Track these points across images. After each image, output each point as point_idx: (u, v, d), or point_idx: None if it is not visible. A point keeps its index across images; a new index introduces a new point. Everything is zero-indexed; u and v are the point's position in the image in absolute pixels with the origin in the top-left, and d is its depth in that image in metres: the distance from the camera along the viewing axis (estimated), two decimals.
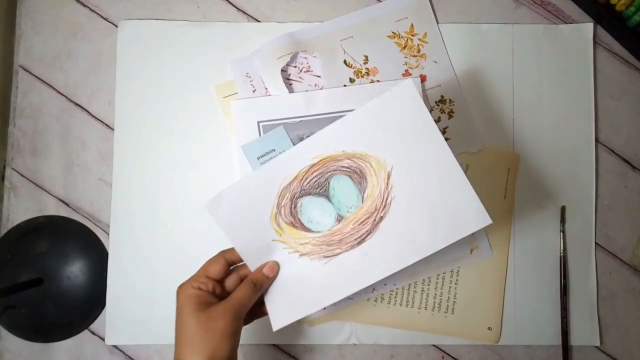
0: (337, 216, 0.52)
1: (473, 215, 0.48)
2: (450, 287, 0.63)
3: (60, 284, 0.63)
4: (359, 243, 0.51)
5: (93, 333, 0.64)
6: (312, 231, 0.53)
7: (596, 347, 0.63)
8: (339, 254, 0.52)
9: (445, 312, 0.63)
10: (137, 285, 0.63)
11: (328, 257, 0.52)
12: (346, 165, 0.52)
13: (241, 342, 0.63)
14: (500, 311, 0.63)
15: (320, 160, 0.52)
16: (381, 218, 0.51)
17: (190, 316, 0.47)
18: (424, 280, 0.63)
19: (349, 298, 0.63)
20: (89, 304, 0.64)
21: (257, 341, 0.63)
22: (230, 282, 0.52)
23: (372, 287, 0.63)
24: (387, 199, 0.51)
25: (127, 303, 0.63)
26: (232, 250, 0.52)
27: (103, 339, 0.63)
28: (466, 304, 0.63)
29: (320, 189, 0.52)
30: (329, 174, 0.52)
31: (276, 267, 0.52)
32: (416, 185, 0.50)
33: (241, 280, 0.52)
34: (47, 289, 0.63)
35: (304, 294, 0.52)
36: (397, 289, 0.63)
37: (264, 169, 0.52)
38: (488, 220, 0.48)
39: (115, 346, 0.64)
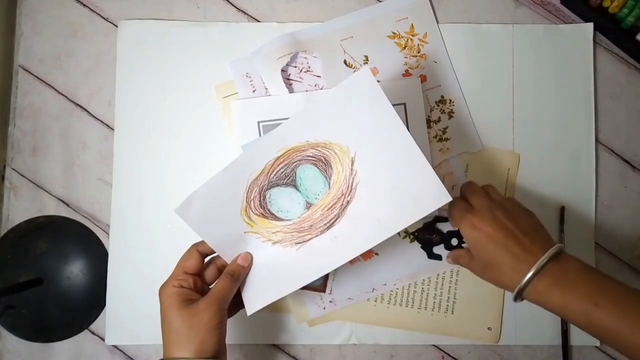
0: (306, 203, 0.54)
1: (433, 194, 0.49)
2: (450, 287, 0.63)
3: (60, 284, 0.63)
4: (329, 228, 0.53)
5: (93, 333, 0.64)
6: (283, 219, 0.55)
7: (596, 347, 0.63)
8: (309, 239, 0.54)
9: (445, 312, 0.63)
10: (137, 285, 0.63)
11: (299, 243, 0.54)
12: (311, 154, 0.53)
13: (241, 342, 0.63)
14: (500, 311, 0.63)
15: (285, 152, 0.53)
16: (348, 202, 0.53)
17: (175, 314, 0.48)
18: (424, 280, 0.63)
19: (349, 298, 0.63)
20: (89, 304, 0.64)
21: (257, 341, 0.63)
22: (209, 273, 0.54)
23: (372, 288, 0.63)
24: (352, 183, 0.53)
25: (127, 303, 0.63)
26: (203, 242, 0.53)
27: (103, 339, 0.63)
28: (466, 304, 0.63)
29: (288, 179, 0.54)
30: (294, 164, 0.54)
31: (249, 257, 0.54)
32: (379, 168, 0.51)
33: (219, 270, 0.54)
34: (47, 289, 0.63)
35: (277, 279, 0.53)
36: (397, 289, 0.63)
37: (230, 167, 0.53)
38: (448, 198, 0.48)
39: (115, 346, 0.64)
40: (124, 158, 0.64)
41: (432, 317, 0.63)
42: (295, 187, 0.54)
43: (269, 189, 0.54)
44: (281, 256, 0.54)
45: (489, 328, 0.63)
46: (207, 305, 0.48)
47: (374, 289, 0.63)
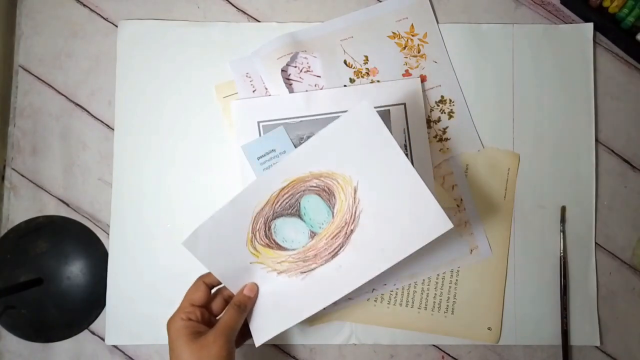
0: (311, 233, 0.55)
1: (435, 221, 0.51)
2: (450, 287, 0.63)
3: (60, 284, 0.63)
4: (333, 256, 0.54)
5: (93, 333, 0.64)
6: (288, 249, 0.55)
7: (596, 347, 0.63)
8: (314, 268, 0.55)
9: (445, 312, 0.63)
10: (137, 285, 0.63)
11: (305, 272, 0.55)
12: (314, 184, 0.54)
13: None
14: (500, 311, 0.63)
15: (289, 183, 0.54)
16: (351, 231, 0.54)
17: (183, 348, 0.48)
18: (424, 280, 0.63)
19: (349, 298, 0.63)
20: (89, 304, 0.64)
21: None
22: (216, 305, 0.54)
23: (372, 288, 0.63)
24: (355, 212, 0.54)
25: (127, 303, 0.63)
26: (209, 274, 0.54)
27: (103, 339, 0.63)
28: (466, 304, 0.63)
29: (292, 210, 0.55)
30: (298, 194, 0.55)
31: (255, 287, 0.55)
32: (381, 197, 0.53)
33: (226, 301, 0.54)
34: (47, 289, 0.63)
35: (284, 309, 0.54)
36: (397, 289, 0.63)
37: (235, 200, 0.54)
38: (449, 225, 0.50)
39: (115, 346, 0.64)
40: (124, 158, 0.64)
41: (432, 317, 0.63)
42: (299, 217, 0.55)
43: (274, 219, 0.55)
44: (287, 286, 0.55)
45: (489, 328, 0.63)
46: (215, 337, 0.48)
47: (374, 289, 0.63)
